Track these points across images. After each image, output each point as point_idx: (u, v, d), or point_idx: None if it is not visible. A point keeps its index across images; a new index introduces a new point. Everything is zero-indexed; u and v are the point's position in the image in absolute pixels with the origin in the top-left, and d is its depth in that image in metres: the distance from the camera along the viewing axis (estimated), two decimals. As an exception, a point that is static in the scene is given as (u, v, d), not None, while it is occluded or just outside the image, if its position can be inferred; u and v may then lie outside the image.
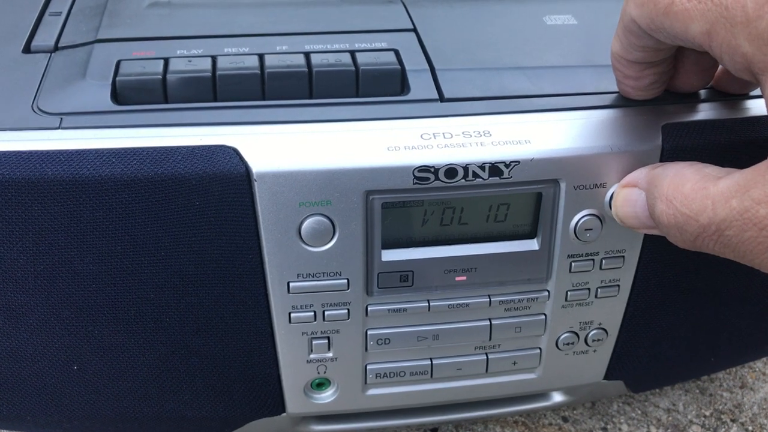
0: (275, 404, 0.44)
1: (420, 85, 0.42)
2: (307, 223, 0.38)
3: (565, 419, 0.56)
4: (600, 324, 0.45)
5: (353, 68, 0.42)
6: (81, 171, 0.36)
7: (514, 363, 0.45)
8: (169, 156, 0.37)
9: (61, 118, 0.38)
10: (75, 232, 0.37)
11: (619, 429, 0.56)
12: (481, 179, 0.38)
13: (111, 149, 0.36)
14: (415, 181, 0.38)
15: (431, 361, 0.44)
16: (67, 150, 0.36)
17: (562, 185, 0.39)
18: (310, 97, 0.42)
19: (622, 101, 0.42)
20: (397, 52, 0.44)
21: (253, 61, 0.42)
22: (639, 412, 0.57)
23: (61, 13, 0.49)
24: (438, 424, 0.54)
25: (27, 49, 0.45)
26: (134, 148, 0.37)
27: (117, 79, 0.40)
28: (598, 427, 0.56)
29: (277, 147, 0.38)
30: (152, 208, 0.37)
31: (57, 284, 0.38)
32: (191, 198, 0.37)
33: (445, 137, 0.39)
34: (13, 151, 0.36)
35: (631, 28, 0.36)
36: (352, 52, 0.43)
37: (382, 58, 0.43)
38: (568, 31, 0.49)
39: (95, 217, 0.36)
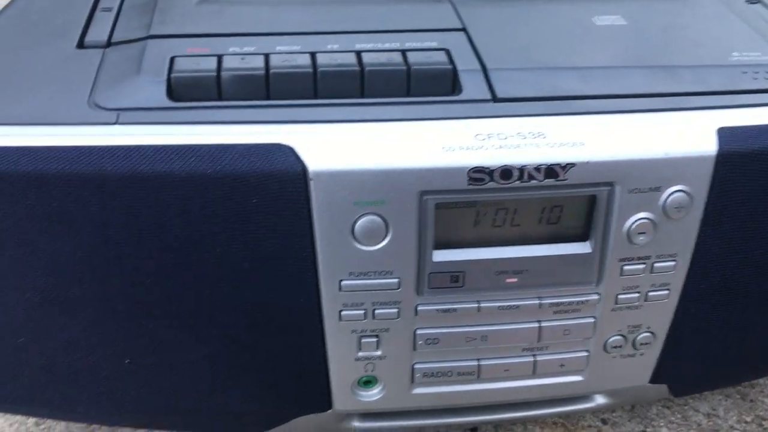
0: (322, 401, 0.44)
1: (472, 85, 0.42)
2: (361, 222, 0.38)
3: (604, 421, 0.56)
4: (648, 327, 0.44)
5: (405, 68, 0.42)
6: (139, 167, 0.36)
7: (562, 365, 0.45)
8: (227, 153, 0.37)
9: (118, 114, 0.39)
10: (132, 227, 0.37)
11: (659, 433, 0.56)
12: (536, 181, 0.38)
13: (169, 145, 0.37)
14: (469, 182, 0.38)
15: (479, 362, 0.44)
16: (126, 146, 0.37)
17: (617, 188, 0.39)
18: (361, 96, 0.42)
19: (676, 104, 0.42)
20: (448, 52, 0.44)
21: (305, 60, 0.42)
22: (679, 416, 0.57)
23: (111, 9, 0.50)
24: (479, 424, 0.54)
25: (81, 45, 0.45)
26: (192, 145, 0.37)
27: (172, 75, 0.41)
28: (638, 431, 0.56)
29: (332, 146, 0.38)
30: (209, 204, 0.37)
31: (112, 279, 0.38)
32: (248, 195, 0.37)
33: (499, 138, 0.39)
34: (72, 146, 0.37)
35: None
36: (403, 52, 0.43)
37: (433, 58, 0.43)
38: (618, 31, 0.48)
39: (153, 212, 0.37)
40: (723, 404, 0.58)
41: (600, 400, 0.50)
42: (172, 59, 0.42)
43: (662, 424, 0.56)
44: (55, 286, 0.39)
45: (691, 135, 0.40)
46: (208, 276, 0.38)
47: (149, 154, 0.36)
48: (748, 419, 0.57)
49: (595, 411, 0.56)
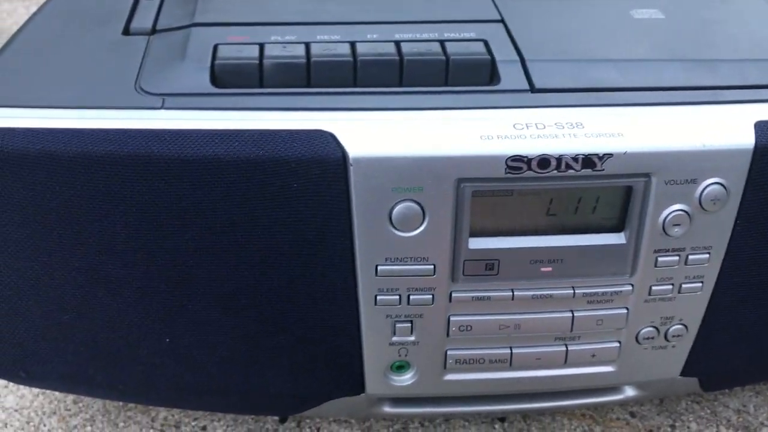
0: (356, 384, 0.45)
1: (510, 75, 0.42)
2: (399, 209, 0.39)
3: (632, 414, 0.56)
4: (681, 320, 0.45)
5: (443, 57, 0.42)
6: (185, 150, 0.37)
7: (593, 355, 0.45)
8: (270, 139, 0.38)
9: (164, 99, 0.40)
10: (177, 209, 0.38)
11: (688, 427, 0.56)
12: (573, 170, 0.38)
13: (214, 130, 0.38)
14: (507, 170, 0.38)
15: (511, 350, 0.44)
16: (172, 129, 0.38)
17: (653, 180, 0.39)
18: (400, 85, 0.42)
19: (714, 97, 0.42)
20: (486, 43, 0.44)
21: (345, 49, 0.43)
22: (708, 411, 0.57)
23: (156, -4, 0.51)
24: (508, 413, 0.55)
25: (126, 32, 0.46)
26: (236, 130, 0.38)
27: (215, 62, 0.41)
28: (666, 425, 0.56)
29: (372, 133, 0.38)
30: (252, 188, 0.38)
31: (156, 259, 0.39)
32: (289, 180, 0.38)
33: (537, 128, 0.39)
34: (120, 129, 0.38)
35: None
36: (442, 42, 0.44)
37: (471, 48, 0.44)
38: (656, 24, 0.48)
39: (197, 195, 0.38)
40: (753, 401, 0.58)
41: (629, 392, 0.51)
42: (215, 47, 0.43)
43: (691, 418, 0.56)
44: (100, 265, 0.40)
45: (729, 128, 0.40)
46: (248, 258, 0.39)
47: (194, 138, 0.37)
48: (778, 416, 0.57)
49: (624, 403, 0.56)
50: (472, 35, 0.45)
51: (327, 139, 0.38)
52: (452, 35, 0.45)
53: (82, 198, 0.38)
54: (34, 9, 1.04)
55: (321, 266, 0.40)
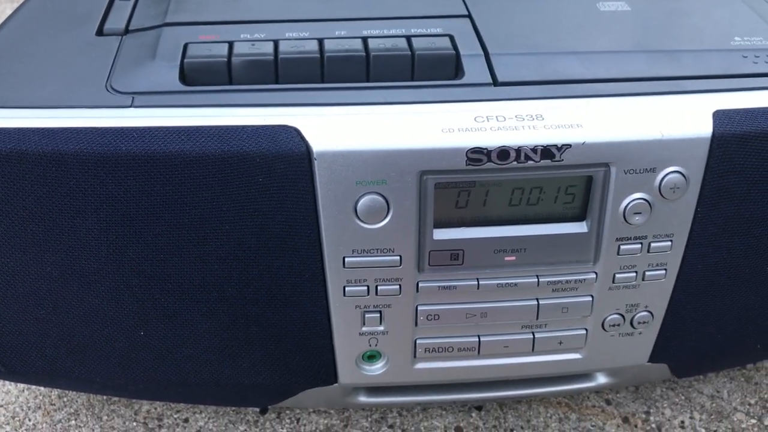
0: (328, 374, 0.46)
1: (474, 69, 0.43)
2: (363, 201, 0.40)
3: (608, 402, 0.57)
4: (646, 306, 0.45)
5: (409, 53, 0.43)
6: (153, 147, 0.38)
7: (560, 342, 0.46)
8: (235, 135, 0.38)
9: (133, 97, 0.41)
10: (146, 204, 0.39)
11: (662, 413, 0.56)
12: (533, 161, 0.39)
13: (181, 127, 0.38)
14: (468, 162, 0.39)
15: (479, 338, 0.45)
16: (140, 127, 0.38)
17: (613, 169, 0.40)
18: (367, 81, 0.43)
19: (674, 87, 0.42)
20: (452, 38, 0.45)
21: (313, 46, 0.44)
22: (682, 397, 0.58)
23: (130, -3, 0.51)
24: (482, 401, 0.56)
25: (100, 32, 0.47)
26: (202, 127, 0.39)
27: (185, 61, 0.42)
28: (641, 411, 0.57)
29: (336, 128, 0.39)
30: (219, 183, 0.39)
31: (128, 254, 0.40)
32: (255, 175, 0.39)
33: (498, 120, 0.40)
34: (89, 128, 0.39)
35: None
36: (408, 38, 0.45)
37: (437, 43, 0.44)
38: (621, 16, 0.49)
39: (165, 191, 0.39)
40: (727, 386, 0.59)
41: (602, 379, 0.51)
42: (185, 45, 0.44)
43: (666, 405, 0.57)
44: (73, 261, 0.41)
45: (687, 117, 0.41)
46: (217, 252, 0.40)
47: (162, 135, 0.38)
48: (752, 401, 0.57)
49: (599, 390, 0.57)
50: (439, 30, 0.46)
51: (291, 134, 0.39)
52: (419, 30, 0.46)
53: (54, 195, 0.39)
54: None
55: (289, 259, 0.41)
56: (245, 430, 0.54)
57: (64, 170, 0.38)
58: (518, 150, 0.39)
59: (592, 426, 0.55)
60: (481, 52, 0.44)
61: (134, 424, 0.54)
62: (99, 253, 0.40)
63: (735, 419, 0.56)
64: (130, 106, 0.40)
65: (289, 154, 0.39)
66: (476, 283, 0.43)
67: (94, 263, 0.41)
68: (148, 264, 0.40)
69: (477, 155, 0.39)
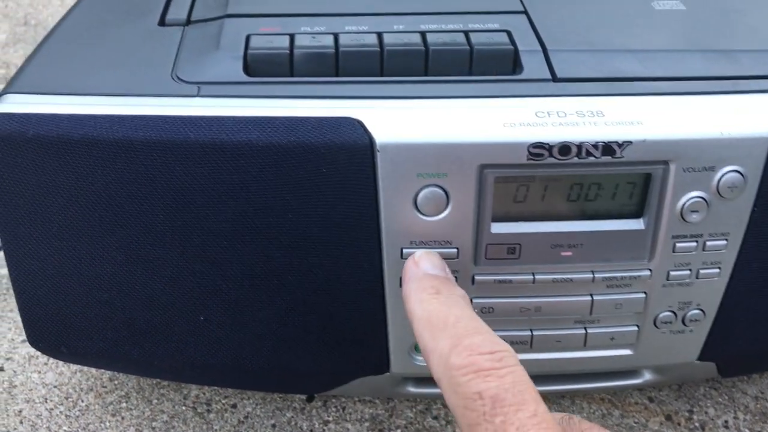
0: (381, 364, 0.47)
1: (533, 65, 0.44)
2: (423, 193, 0.40)
3: (651, 399, 0.57)
4: (699, 304, 0.46)
5: (467, 48, 0.44)
6: (220, 136, 0.39)
7: (612, 338, 0.46)
8: (300, 125, 0.39)
9: (199, 87, 0.41)
10: (212, 192, 0.40)
11: (706, 413, 0.56)
12: (593, 158, 0.40)
13: (247, 117, 0.39)
14: (529, 156, 0.40)
15: (531, 332, 0.46)
16: (208, 116, 0.39)
17: (672, 167, 0.40)
18: (425, 74, 0.44)
19: (733, 87, 0.43)
20: (509, 33, 0.46)
21: (373, 39, 0.44)
22: (726, 397, 0.58)
23: (190, -12, 0.52)
24: (527, 396, 0.56)
25: (162, 22, 0.48)
26: (269, 117, 0.39)
27: (248, 52, 0.43)
28: (684, 410, 0.57)
29: (398, 120, 0.40)
30: (283, 173, 0.39)
31: (192, 240, 0.41)
32: (319, 165, 0.39)
33: (559, 116, 0.40)
34: (158, 116, 0.40)
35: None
36: (466, 32, 0.45)
37: (495, 39, 0.45)
38: (676, 15, 0.49)
39: (231, 179, 0.39)
40: (771, 387, 0.59)
41: (648, 376, 0.52)
42: (247, 37, 0.45)
43: (709, 404, 0.57)
44: (138, 246, 0.42)
45: (747, 117, 0.41)
46: (279, 240, 0.41)
47: (229, 125, 0.39)
48: (796, 403, 0.57)
49: (643, 388, 0.57)
50: (496, 26, 0.47)
51: (355, 126, 0.39)
52: (476, 26, 0.46)
53: (122, 182, 0.40)
54: (68, 1, 1.06)
55: (348, 249, 0.42)
56: (292, 416, 0.55)
57: (133, 157, 0.39)
58: (579, 146, 0.39)
59: (635, 423, 0.55)
60: (539, 48, 0.45)
61: (183, 408, 0.55)
62: (164, 239, 0.41)
63: (779, 420, 0.56)
64: (197, 96, 0.41)
65: (353, 146, 0.39)
66: (532, 277, 0.43)
67: (159, 249, 0.41)
68: (211, 251, 0.41)
69: (538, 150, 0.39)
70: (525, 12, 0.48)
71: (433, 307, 0.36)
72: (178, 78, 0.42)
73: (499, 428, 0.30)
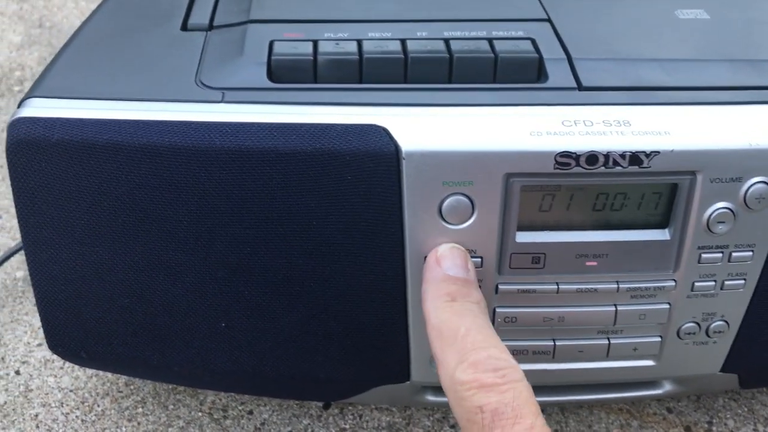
0: (401, 372, 0.46)
1: (558, 73, 0.43)
2: (449, 202, 0.40)
3: (669, 410, 0.57)
4: (723, 316, 0.45)
5: (492, 55, 0.43)
6: (245, 142, 0.39)
7: (635, 349, 0.46)
8: (326, 132, 0.39)
9: (223, 93, 0.41)
10: (236, 198, 0.40)
11: (725, 424, 0.56)
12: (620, 167, 0.39)
13: (272, 123, 0.39)
14: (555, 166, 0.39)
15: (554, 342, 0.45)
16: (233, 122, 0.39)
17: (699, 177, 0.40)
18: (449, 82, 0.44)
19: (760, 97, 0.42)
20: (533, 41, 0.45)
21: (396, 46, 0.44)
22: (745, 409, 0.57)
23: (211, -7, 0.52)
24: (546, 405, 0.56)
25: (185, 27, 0.48)
26: (294, 124, 0.39)
27: (272, 58, 0.43)
28: (704, 421, 0.56)
29: (423, 128, 0.40)
30: (308, 180, 0.39)
31: (215, 246, 0.41)
32: (344, 172, 0.39)
33: (585, 125, 0.40)
34: (183, 121, 0.39)
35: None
36: (490, 40, 0.45)
37: (520, 47, 0.45)
38: (701, 25, 0.49)
39: (256, 185, 0.39)
40: (791, 399, 0.58)
41: (668, 386, 0.51)
42: (271, 43, 0.44)
43: (728, 415, 0.57)
44: (161, 252, 0.41)
45: (776, 128, 0.40)
46: (303, 247, 0.41)
47: (254, 131, 0.39)
48: (816, 416, 0.57)
49: (662, 398, 0.57)
50: (520, 33, 0.46)
51: (380, 133, 0.39)
52: (500, 33, 0.46)
53: (146, 187, 0.40)
54: (83, 4, 1.07)
55: (372, 256, 0.41)
56: (308, 424, 0.54)
57: (158, 162, 0.39)
58: (607, 155, 0.39)
59: (654, 434, 0.55)
60: (564, 56, 0.44)
61: (199, 414, 0.55)
62: (187, 244, 0.41)
63: (800, 433, 0.55)
64: (222, 101, 0.41)
65: (379, 153, 0.39)
66: (556, 287, 0.43)
67: (181, 254, 0.41)
68: (234, 257, 0.41)
69: (565, 159, 0.39)
70: (549, 20, 0.48)
71: (445, 316, 0.38)
72: (203, 84, 0.42)
73: None
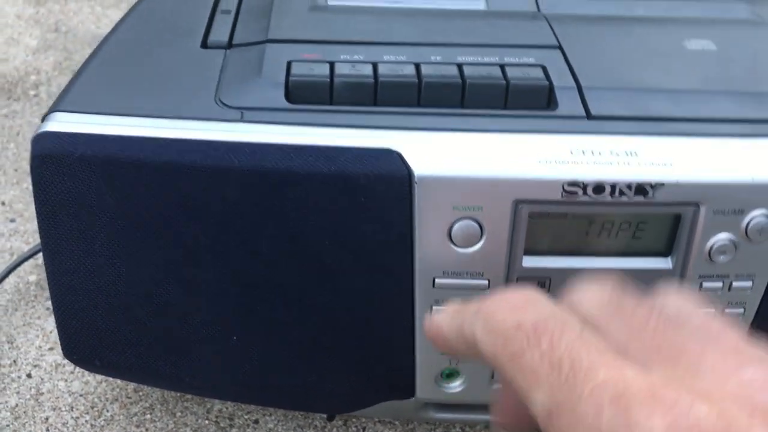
0: (407, 389, 0.47)
1: (567, 101, 0.44)
2: (458, 226, 0.41)
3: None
4: (722, 343, 0.46)
5: (504, 82, 0.45)
6: (264, 163, 0.40)
7: (635, 372, 0.47)
8: (342, 155, 0.40)
9: (242, 112, 0.42)
10: (252, 217, 0.41)
11: None
12: (626, 197, 0.40)
13: (291, 144, 0.40)
14: (563, 194, 0.40)
15: (557, 363, 0.46)
16: (252, 142, 0.40)
17: (702, 209, 0.41)
18: (461, 106, 0.45)
19: (764, 130, 0.43)
20: (544, 68, 0.46)
21: (411, 70, 0.45)
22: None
23: (230, 11, 0.54)
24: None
25: (204, 45, 0.49)
26: (311, 146, 0.40)
27: (290, 79, 0.44)
28: None
29: (436, 153, 0.41)
30: (323, 201, 0.40)
31: (231, 263, 0.42)
32: (357, 194, 0.40)
33: (593, 154, 0.41)
34: (204, 140, 0.41)
35: (470, 343, 0.31)
36: (502, 66, 0.46)
37: (531, 74, 0.46)
38: (708, 56, 0.50)
39: (272, 205, 0.40)
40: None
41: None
42: (289, 63, 0.46)
43: None
44: (178, 267, 0.43)
45: (777, 162, 0.41)
46: (315, 265, 0.42)
47: (272, 151, 0.40)
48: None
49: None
50: (531, 60, 0.47)
51: (394, 157, 0.40)
52: (512, 60, 0.47)
53: (165, 204, 0.41)
54: (98, 9, 1.08)
55: (381, 276, 0.43)
56: (313, 434, 0.56)
57: (177, 180, 0.40)
58: (614, 185, 0.40)
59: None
60: (574, 85, 0.46)
61: (206, 422, 0.56)
62: (203, 261, 0.42)
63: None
64: (241, 121, 0.42)
65: (392, 177, 0.40)
66: (560, 310, 0.44)
67: (198, 270, 0.42)
68: (249, 274, 0.42)
69: (573, 188, 0.40)
70: (560, 47, 0.49)
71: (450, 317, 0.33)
72: (222, 102, 0.43)
73: (546, 352, 0.27)
